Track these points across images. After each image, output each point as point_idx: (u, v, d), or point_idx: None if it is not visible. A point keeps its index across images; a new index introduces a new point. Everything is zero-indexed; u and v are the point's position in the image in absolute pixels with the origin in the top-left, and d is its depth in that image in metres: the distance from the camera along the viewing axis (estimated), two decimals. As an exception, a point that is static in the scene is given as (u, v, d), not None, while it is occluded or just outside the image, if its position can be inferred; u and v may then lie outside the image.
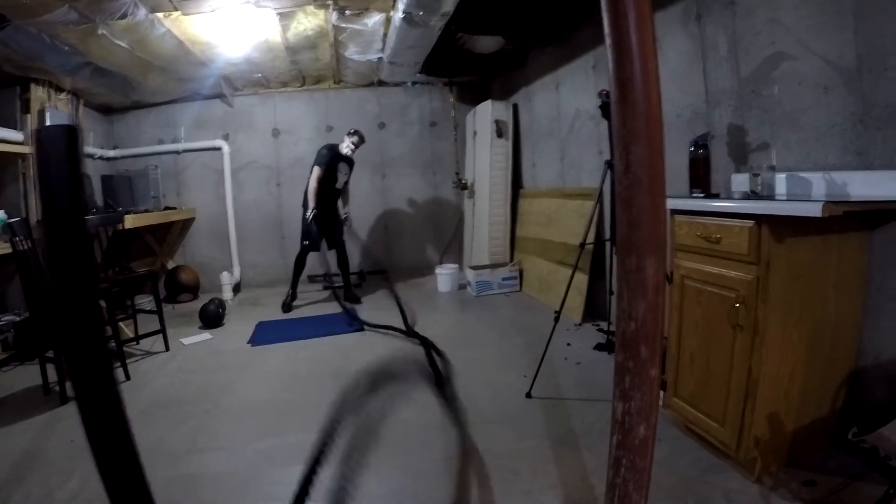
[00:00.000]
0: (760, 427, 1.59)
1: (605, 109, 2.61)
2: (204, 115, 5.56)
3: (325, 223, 4.50)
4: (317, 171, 4.40)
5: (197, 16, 3.34)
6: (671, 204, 1.91)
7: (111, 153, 5.40)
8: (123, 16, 3.01)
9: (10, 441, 2.22)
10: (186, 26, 3.50)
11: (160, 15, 3.25)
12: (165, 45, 3.67)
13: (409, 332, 3.44)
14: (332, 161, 4.47)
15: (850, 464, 1.63)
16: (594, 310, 3.65)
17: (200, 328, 4.01)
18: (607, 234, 3.33)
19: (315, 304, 4.76)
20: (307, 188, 4.46)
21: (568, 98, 4.01)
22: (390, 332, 3.58)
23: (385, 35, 3.96)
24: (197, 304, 4.50)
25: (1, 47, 3.15)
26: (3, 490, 1.84)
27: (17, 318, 3.49)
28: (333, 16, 3.57)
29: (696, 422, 1.83)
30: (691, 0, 2.52)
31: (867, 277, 1.71)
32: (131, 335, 3.40)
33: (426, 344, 3.12)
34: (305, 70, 5.12)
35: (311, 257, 4.69)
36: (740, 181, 2.14)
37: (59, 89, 4.24)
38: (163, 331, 3.48)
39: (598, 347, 3.02)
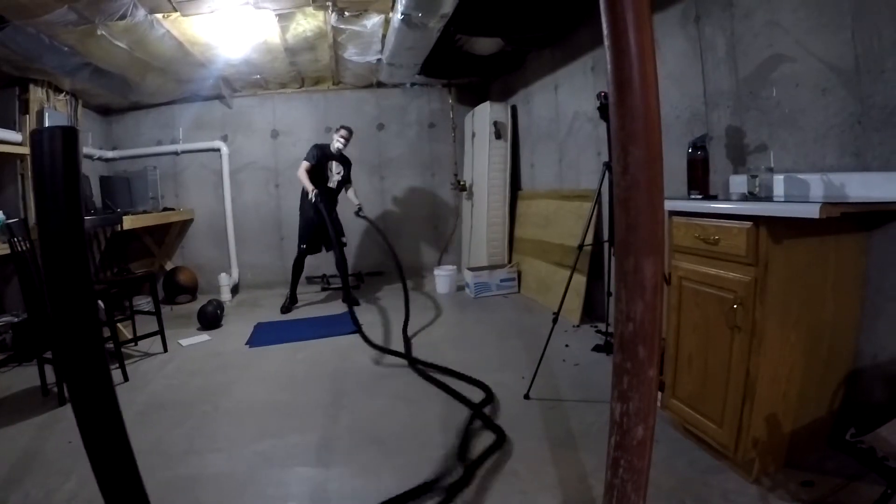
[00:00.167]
0: (758, 428, 1.60)
1: (603, 111, 2.62)
2: (203, 117, 5.55)
3: (322, 225, 4.49)
4: (304, 164, 4.41)
5: (196, 17, 3.34)
6: (669, 205, 1.92)
7: (110, 154, 5.39)
8: (123, 16, 3.02)
9: (9, 442, 2.22)
10: (186, 27, 3.50)
11: (159, 16, 3.25)
12: (164, 46, 3.67)
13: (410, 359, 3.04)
14: (320, 158, 4.45)
15: (848, 464, 1.63)
16: (592, 311, 3.66)
17: (199, 329, 4.00)
18: (605, 236, 3.34)
19: (313, 305, 4.75)
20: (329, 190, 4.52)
21: (566, 100, 4.02)
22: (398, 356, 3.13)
23: (384, 36, 3.96)
24: (195, 306, 4.50)
25: (0, 48, 3.15)
26: (1, 491, 1.83)
27: (16, 320, 3.48)
28: (332, 17, 3.57)
29: (694, 423, 1.84)
30: (690, 2, 2.52)
31: (865, 278, 1.71)
32: (129, 336, 3.39)
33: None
34: (304, 71, 5.12)
35: (312, 258, 4.69)
36: (738, 183, 2.14)
37: (58, 90, 4.24)
38: (161, 332, 3.48)
39: (597, 349, 3.02)
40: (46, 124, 3.83)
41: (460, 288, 4.93)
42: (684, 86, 2.59)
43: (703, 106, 2.48)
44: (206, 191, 5.60)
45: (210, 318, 4.03)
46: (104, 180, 4.79)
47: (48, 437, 2.24)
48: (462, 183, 5.47)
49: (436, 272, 5.00)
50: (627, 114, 0.76)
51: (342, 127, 4.58)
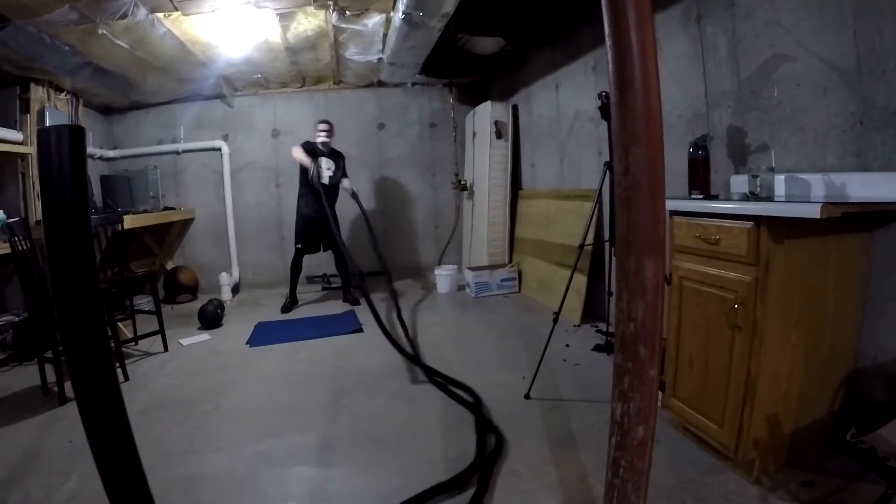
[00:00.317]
0: (759, 428, 1.59)
1: (604, 111, 2.62)
2: (204, 116, 5.55)
3: (318, 224, 4.48)
4: (295, 147, 4.45)
5: (197, 16, 3.34)
6: (670, 205, 1.91)
7: (110, 153, 5.39)
8: (124, 16, 3.02)
9: (9, 441, 2.22)
10: (187, 27, 3.50)
11: (160, 15, 3.25)
12: (165, 45, 3.67)
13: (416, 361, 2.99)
14: (308, 154, 4.43)
15: (849, 465, 1.63)
16: (593, 311, 3.65)
17: (199, 329, 4.01)
18: (606, 236, 3.34)
19: (313, 305, 4.76)
20: (305, 179, 4.50)
21: (567, 99, 4.02)
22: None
23: (385, 36, 3.96)
24: (196, 305, 4.50)
25: (1, 47, 3.15)
26: (1, 490, 1.83)
27: (16, 319, 3.49)
28: (333, 16, 3.57)
29: (694, 423, 1.83)
30: (691, 1, 2.52)
31: (866, 279, 1.71)
32: (130, 336, 3.39)
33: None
34: (305, 71, 5.12)
35: (313, 258, 4.69)
36: (739, 182, 2.14)
37: (59, 89, 4.24)
38: (161, 331, 3.48)
39: (597, 348, 3.02)
40: (47, 123, 3.83)
41: (461, 287, 4.93)
42: (686, 85, 2.59)
43: (705, 106, 2.48)
44: (206, 190, 5.60)
45: (210, 318, 4.03)
46: (105, 179, 4.79)
47: (48, 437, 2.24)
48: (463, 182, 5.47)
49: (436, 272, 5.01)
50: (629, 113, 0.75)
51: (320, 121, 4.56)
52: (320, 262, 5.17)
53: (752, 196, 1.89)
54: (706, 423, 1.77)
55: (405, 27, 3.45)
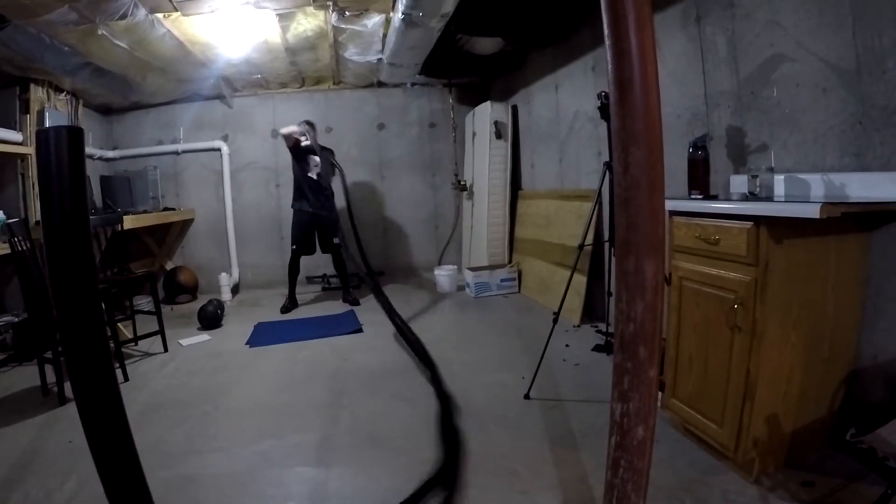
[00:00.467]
0: (759, 428, 1.59)
1: (604, 111, 2.62)
2: (203, 116, 5.55)
3: (314, 225, 4.48)
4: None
5: (197, 16, 3.34)
6: (670, 205, 1.91)
7: (110, 154, 5.39)
8: (123, 16, 3.01)
9: (9, 442, 2.22)
10: (186, 27, 3.50)
11: (160, 15, 3.26)
12: (165, 45, 3.67)
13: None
14: (297, 155, 4.42)
15: (849, 464, 1.63)
16: (593, 311, 3.65)
17: (199, 329, 4.00)
18: (606, 236, 3.34)
19: (313, 305, 4.75)
20: (296, 179, 4.52)
21: (567, 99, 4.02)
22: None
23: (385, 36, 3.96)
24: (195, 305, 4.50)
25: (1, 47, 3.15)
26: (1, 490, 1.83)
27: (16, 319, 3.49)
28: (333, 17, 3.57)
29: (694, 423, 1.83)
30: (691, 2, 2.52)
31: (866, 279, 1.71)
32: (130, 336, 3.39)
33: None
34: (305, 71, 5.12)
35: (313, 260, 4.69)
36: (739, 183, 2.14)
37: (59, 90, 4.24)
38: (161, 332, 3.48)
39: (597, 349, 3.02)
40: (47, 124, 3.83)
41: (461, 288, 4.92)
42: (685, 86, 2.59)
43: (704, 106, 2.48)
44: (206, 190, 5.60)
45: (210, 318, 4.03)
46: (105, 180, 4.79)
47: (48, 437, 2.24)
48: (462, 183, 5.47)
49: (436, 272, 5.00)
50: (628, 113, 0.75)
51: (301, 123, 4.47)
52: (320, 262, 5.17)
53: (751, 196, 1.90)
54: (706, 423, 1.77)
55: (405, 27, 3.45)
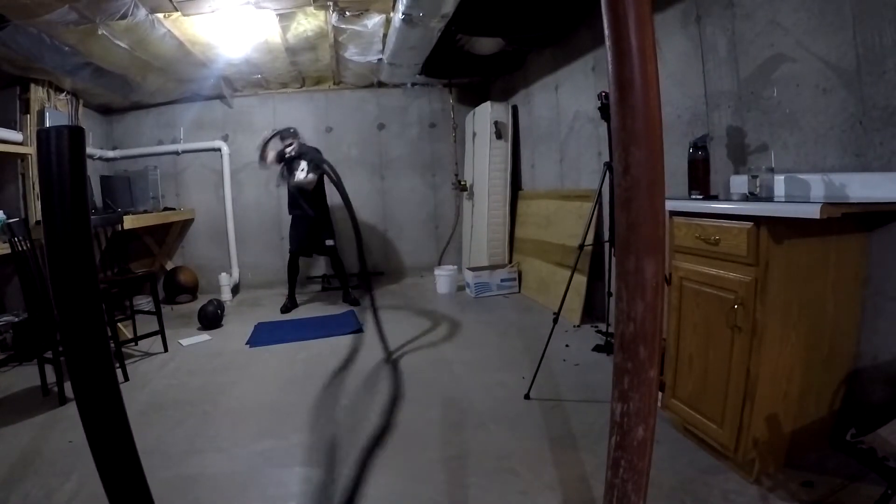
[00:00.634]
0: (759, 428, 1.60)
1: (604, 111, 2.62)
2: (203, 116, 5.55)
3: (307, 227, 4.48)
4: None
5: (197, 16, 3.34)
6: (670, 205, 1.91)
7: (110, 154, 5.40)
8: (123, 16, 3.02)
9: (9, 442, 2.22)
10: (186, 27, 3.50)
11: (160, 15, 3.26)
12: (165, 45, 3.67)
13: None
14: (286, 164, 4.37)
15: (849, 465, 1.63)
16: (593, 311, 3.65)
17: (199, 329, 4.00)
18: (606, 236, 3.34)
19: (313, 305, 4.75)
20: (287, 187, 4.46)
21: (567, 100, 4.02)
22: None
23: (385, 36, 3.96)
24: (196, 305, 4.50)
25: (1, 47, 3.15)
26: (1, 490, 1.83)
27: (16, 319, 3.49)
28: (333, 17, 3.58)
29: (694, 423, 1.83)
30: (691, 2, 2.52)
31: (866, 279, 1.71)
32: (130, 336, 3.39)
33: None
34: (305, 71, 5.12)
35: (313, 260, 4.68)
36: (739, 183, 2.14)
37: (59, 90, 4.24)
38: (161, 332, 3.48)
39: (597, 349, 3.02)
40: (47, 124, 3.83)
41: (461, 288, 4.93)
42: (685, 86, 2.59)
43: (704, 106, 2.48)
44: (206, 190, 5.60)
45: (210, 318, 4.03)
46: (105, 180, 4.79)
47: (48, 437, 2.24)
48: (463, 183, 5.47)
49: (436, 272, 5.00)
50: (628, 114, 0.75)
51: (283, 137, 4.37)
52: (320, 262, 5.17)
53: (751, 196, 1.90)
54: (706, 423, 1.77)
55: (405, 27, 3.45)
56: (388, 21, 3.68)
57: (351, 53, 4.36)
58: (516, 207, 5.07)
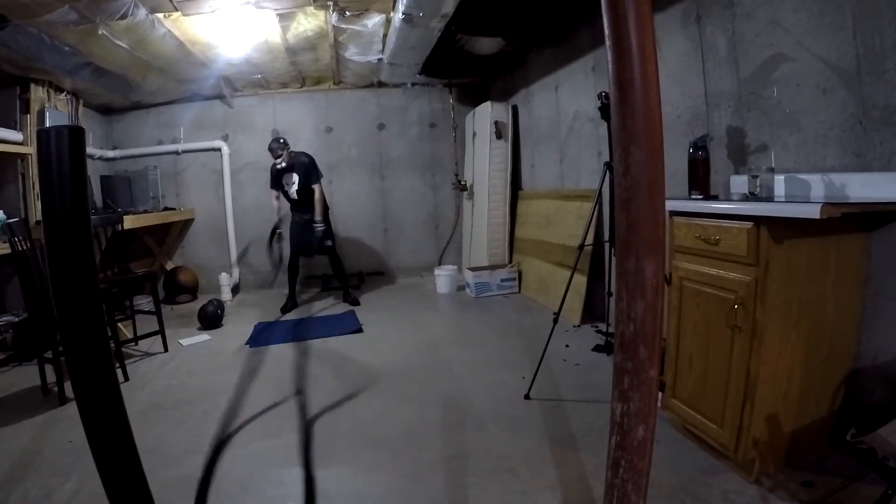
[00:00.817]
0: (759, 428, 1.60)
1: (604, 111, 2.62)
2: (203, 116, 5.55)
3: (305, 228, 4.48)
4: (272, 193, 4.60)
5: (197, 16, 3.34)
6: (670, 205, 1.91)
7: (110, 154, 5.40)
8: (123, 16, 3.02)
9: (9, 442, 2.22)
10: (186, 27, 3.50)
11: (160, 15, 3.26)
12: (165, 45, 3.67)
13: None
14: (276, 179, 4.48)
15: (849, 465, 1.63)
16: (593, 311, 3.65)
17: (199, 329, 4.01)
18: (606, 236, 3.34)
19: (313, 304, 4.75)
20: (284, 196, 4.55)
21: (567, 99, 4.02)
22: None
23: (385, 36, 3.96)
24: (196, 305, 4.50)
25: (1, 47, 3.15)
26: (1, 490, 1.83)
27: (16, 319, 3.49)
28: (333, 17, 3.57)
29: (694, 423, 1.83)
30: (691, 2, 2.52)
31: (866, 279, 1.71)
32: (130, 336, 3.39)
33: None
34: (305, 71, 5.12)
35: (313, 260, 4.68)
36: (739, 183, 2.14)
37: (59, 90, 4.24)
38: (161, 332, 3.48)
39: (597, 349, 3.02)
40: (47, 124, 3.83)
41: (461, 288, 4.93)
42: (685, 86, 2.59)
43: (704, 106, 2.48)
44: (206, 190, 5.60)
45: (210, 318, 4.03)
46: (105, 180, 4.79)
47: (48, 437, 2.24)
48: (463, 183, 5.47)
49: (436, 272, 5.00)
50: (629, 113, 0.75)
51: (271, 143, 4.45)
52: (320, 262, 5.17)
53: (751, 196, 1.90)
54: (706, 423, 1.77)
55: (405, 27, 3.45)
56: (388, 21, 3.68)
57: (351, 53, 4.36)
58: (516, 207, 5.07)
